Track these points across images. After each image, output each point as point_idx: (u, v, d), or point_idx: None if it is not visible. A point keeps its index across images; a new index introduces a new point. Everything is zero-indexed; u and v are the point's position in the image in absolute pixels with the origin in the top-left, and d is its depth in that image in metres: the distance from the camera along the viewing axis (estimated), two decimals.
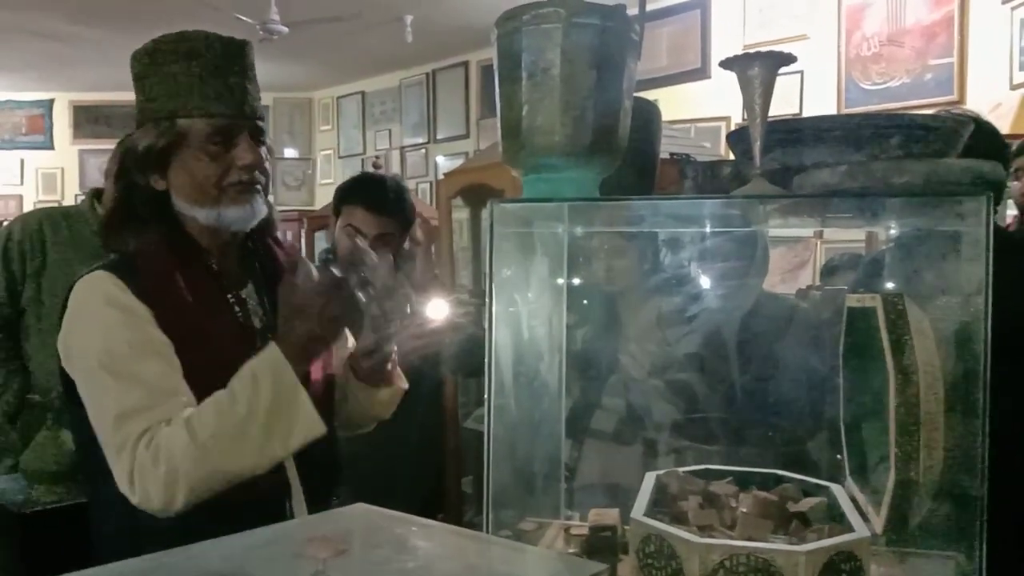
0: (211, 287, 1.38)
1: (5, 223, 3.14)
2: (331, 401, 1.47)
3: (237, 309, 1.41)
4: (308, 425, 1.25)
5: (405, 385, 1.57)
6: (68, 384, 1.34)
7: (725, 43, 5.13)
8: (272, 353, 1.26)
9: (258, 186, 1.37)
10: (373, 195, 2.24)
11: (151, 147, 1.33)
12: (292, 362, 1.25)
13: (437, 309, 1.54)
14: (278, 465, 1.30)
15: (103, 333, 1.28)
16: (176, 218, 1.37)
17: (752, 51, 1.14)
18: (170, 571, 0.70)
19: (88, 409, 1.29)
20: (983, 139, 1.62)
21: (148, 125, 1.34)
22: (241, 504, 1.19)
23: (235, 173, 1.34)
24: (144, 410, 1.23)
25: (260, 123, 1.39)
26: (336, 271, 1.29)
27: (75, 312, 1.33)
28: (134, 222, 1.36)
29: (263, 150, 1.38)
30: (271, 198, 1.46)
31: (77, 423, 1.34)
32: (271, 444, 1.23)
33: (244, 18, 5.20)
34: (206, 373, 1.28)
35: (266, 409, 1.23)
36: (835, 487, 1.24)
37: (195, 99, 1.31)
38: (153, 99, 1.34)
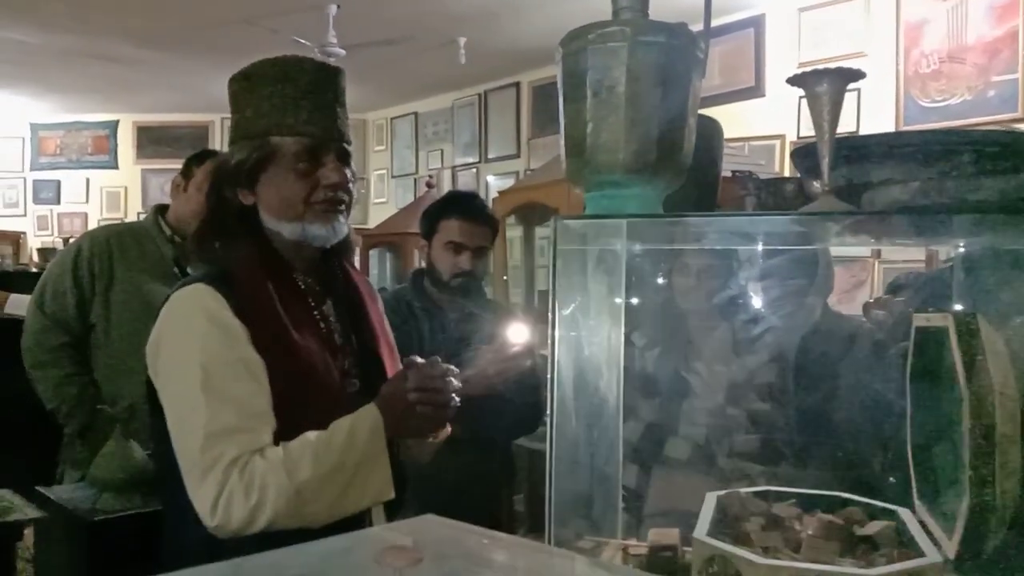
0: (301, 303, 1.42)
1: (72, 240, 3.23)
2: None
3: (323, 325, 1.44)
4: (382, 490, 1.31)
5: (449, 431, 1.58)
6: (151, 392, 1.37)
7: (779, 61, 5.08)
8: (372, 413, 1.32)
9: (342, 206, 1.42)
10: (468, 206, 2.40)
11: (243, 162, 1.38)
12: (386, 430, 1.32)
13: (516, 333, 1.57)
14: None
15: (200, 349, 1.29)
16: (263, 233, 1.41)
17: (821, 67, 1.13)
18: None
19: (173, 422, 1.31)
20: None
21: (242, 142, 1.39)
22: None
23: (321, 191, 1.39)
24: (235, 432, 1.25)
25: (347, 146, 1.44)
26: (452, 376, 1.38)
27: (172, 323, 1.35)
28: (224, 235, 1.40)
29: (348, 172, 1.42)
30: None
31: (158, 433, 1.36)
32: (346, 500, 1.28)
33: (303, 41, 5.31)
34: (295, 390, 1.32)
35: (354, 465, 1.28)
36: (903, 511, 1.21)
37: (288, 119, 1.37)
38: (248, 118, 1.40)
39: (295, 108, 1.37)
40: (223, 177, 1.40)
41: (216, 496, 1.22)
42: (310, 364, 1.35)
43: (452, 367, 1.40)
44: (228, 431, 1.25)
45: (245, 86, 1.41)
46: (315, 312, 1.44)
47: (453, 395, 1.38)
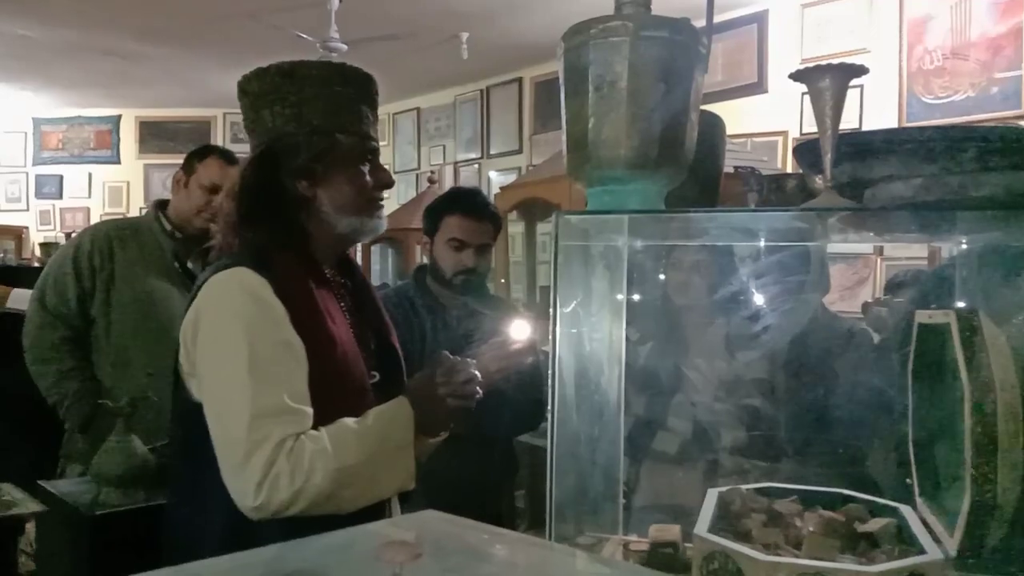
0: (332, 294, 1.46)
1: (73, 234, 3.23)
2: None
3: (348, 316, 1.48)
4: (405, 479, 1.36)
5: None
6: (177, 380, 1.39)
7: (782, 58, 5.07)
8: (405, 404, 1.38)
9: (382, 203, 1.53)
10: (471, 203, 2.41)
11: (316, 157, 1.41)
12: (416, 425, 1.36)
13: (519, 330, 1.59)
14: None
15: (245, 329, 1.29)
16: (303, 225, 1.44)
17: (824, 63, 1.13)
18: (250, 571, 0.71)
19: (214, 403, 1.31)
20: None
21: (304, 135, 1.41)
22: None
23: (377, 190, 1.49)
24: (282, 414, 1.26)
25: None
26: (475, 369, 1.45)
27: (213, 304, 1.34)
28: (267, 220, 1.41)
29: None
30: None
31: (181, 417, 1.37)
32: (376, 488, 1.33)
33: (305, 36, 5.30)
34: (330, 376, 1.34)
35: (387, 454, 1.32)
36: (904, 508, 1.21)
37: (352, 119, 1.44)
38: (308, 112, 1.42)
39: (356, 110, 1.45)
40: (284, 167, 1.42)
41: (262, 477, 1.23)
42: (343, 353, 1.38)
43: (474, 364, 1.46)
44: (275, 412, 1.25)
45: (289, 82, 1.43)
46: (341, 304, 1.48)
47: (478, 390, 1.44)
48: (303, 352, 1.32)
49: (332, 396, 1.33)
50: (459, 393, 1.41)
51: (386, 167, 1.53)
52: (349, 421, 1.32)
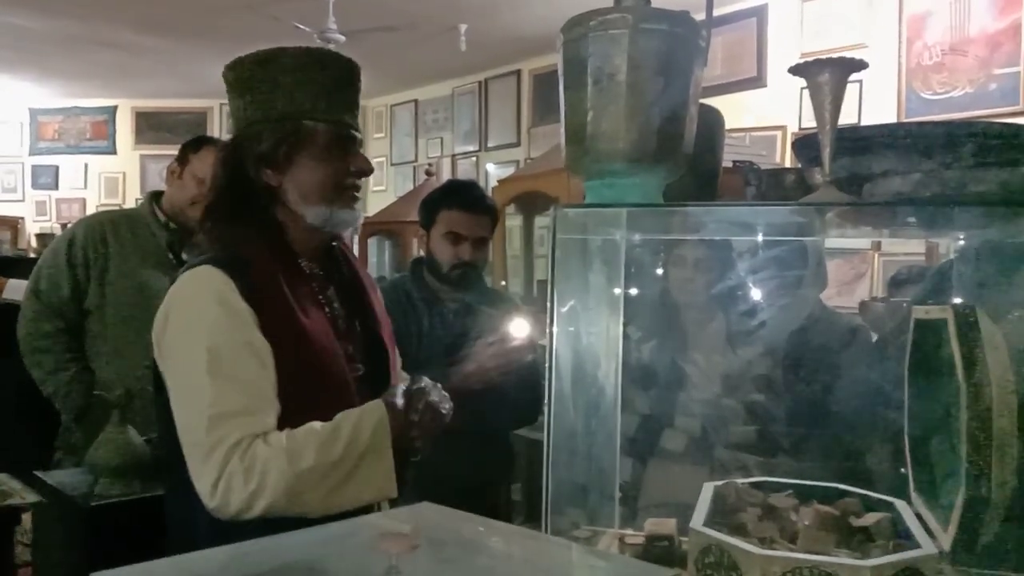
0: (308, 288, 1.42)
1: (69, 225, 3.22)
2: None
3: (328, 310, 1.45)
4: (383, 487, 1.31)
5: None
6: (156, 374, 1.37)
7: (781, 52, 5.06)
8: (379, 409, 1.33)
9: (359, 192, 1.46)
10: (467, 196, 2.38)
11: (278, 143, 1.38)
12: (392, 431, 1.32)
13: (516, 324, 1.58)
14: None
15: (207, 331, 1.29)
16: (275, 217, 1.42)
17: (823, 57, 1.12)
18: (250, 561, 0.71)
19: (177, 404, 1.32)
20: None
21: (273, 124, 1.39)
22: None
23: (350, 178, 1.43)
24: (239, 415, 1.25)
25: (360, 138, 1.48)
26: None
27: (179, 304, 1.35)
28: (238, 216, 1.40)
29: None
30: None
31: (163, 414, 1.36)
32: (345, 493, 1.28)
33: (303, 27, 5.29)
34: (305, 375, 1.32)
35: (357, 458, 1.28)
36: (899, 502, 1.21)
37: (322, 105, 1.39)
38: (276, 101, 1.39)
39: (328, 96, 1.40)
40: (249, 157, 1.40)
41: (216, 478, 1.23)
42: (319, 349, 1.36)
43: (446, 395, 1.45)
44: (232, 414, 1.25)
45: (262, 71, 1.41)
46: (320, 297, 1.45)
47: (446, 416, 1.42)
48: (268, 353, 1.30)
49: (309, 393, 1.31)
50: (429, 426, 1.38)
51: (366, 156, 1.48)
52: (317, 424, 1.29)
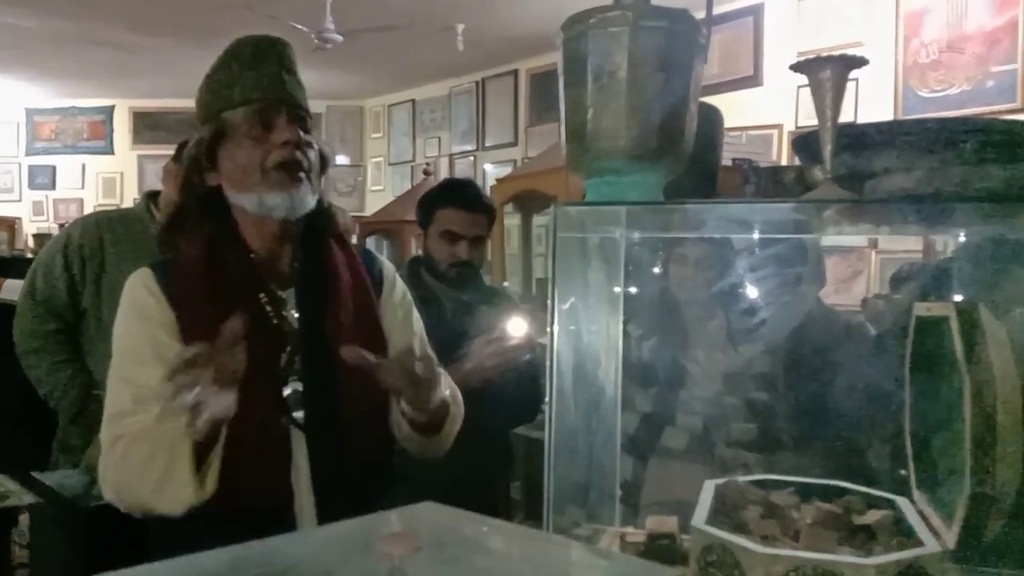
0: (245, 286, 1.38)
1: (65, 225, 3.21)
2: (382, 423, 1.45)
3: (269, 309, 1.39)
4: (180, 490, 1.20)
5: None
6: None
7: (778, 50, 5.07)
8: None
9: (301, 173, 1.37)
10: (464, 195, 2.39)
11: (200, 143, 1.40)
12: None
13: (515, 323, 1.57)
14: (283, 474, 1.31)
15: (120, 334, 1.36)
16: (225, 215, 1.42)
17: (824, 55, 1.12)
18: (249, 564, 0.71)
19: None
20: None
21: (202, 127, 1.41)
22: (241, 510, 1.21)
23: (276, 153, 1.36)
24: (126, 415, 1.28)
25: (302, 111, 1.41)
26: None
27: (119, 308, 1.41)
28: (188, 222, 1.42)
29: (315, 145, 1.42)
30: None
31: None
32: (144, 485, 1.22)
33: (300, 27, 5.28)
34: None
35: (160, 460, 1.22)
36: (901, 500, 1.21)
37: (235, 93, 1.38)
38: (202, 104, 1.43)
39: (240, 80, 1.38)
40: (190, 164, 1.42)
41: (103, 473, 1.29)
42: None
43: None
44: (121, 415, 1.29)
45: (203, 83, 1.44)
46: (262, 295, 1.39)
47: None
48: (174, 351, 1.20)
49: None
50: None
51: (303, 130, 1.38)
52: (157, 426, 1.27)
